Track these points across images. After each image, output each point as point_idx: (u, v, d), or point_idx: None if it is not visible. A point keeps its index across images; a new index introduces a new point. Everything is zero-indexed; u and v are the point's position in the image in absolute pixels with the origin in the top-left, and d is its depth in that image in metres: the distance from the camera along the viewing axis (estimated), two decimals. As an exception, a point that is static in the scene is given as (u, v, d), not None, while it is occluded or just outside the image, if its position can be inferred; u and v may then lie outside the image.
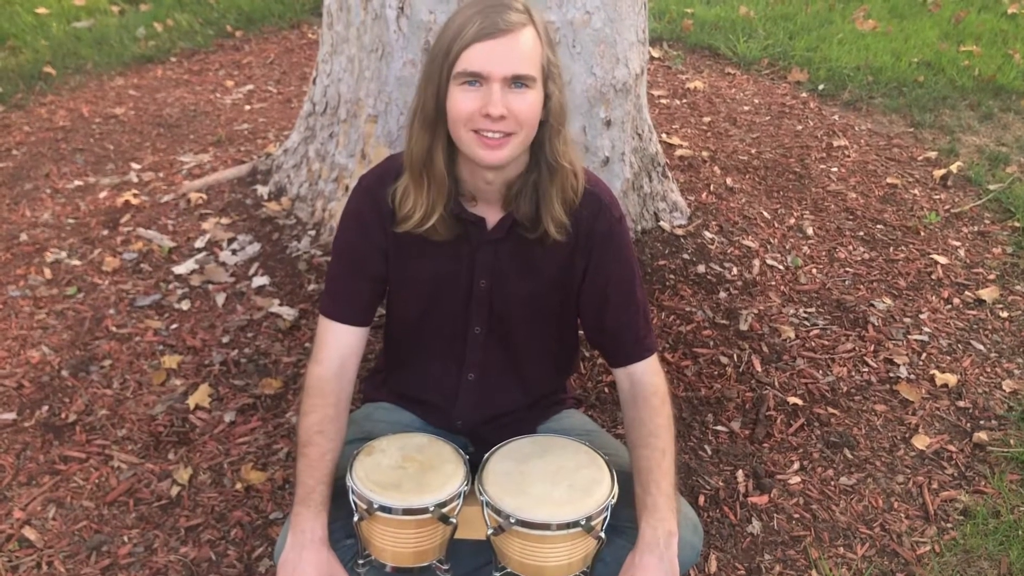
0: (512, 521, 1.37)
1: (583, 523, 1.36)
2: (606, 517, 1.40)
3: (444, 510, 1.40)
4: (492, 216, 1.51)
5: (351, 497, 1.41)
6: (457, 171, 1.47)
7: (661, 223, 2.97)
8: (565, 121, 1.44)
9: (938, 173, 3.69)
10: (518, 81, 1.34)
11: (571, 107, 2.55)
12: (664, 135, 3.85)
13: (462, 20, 1.34)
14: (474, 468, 1.48)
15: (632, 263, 1.57)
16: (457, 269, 1.54)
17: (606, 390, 2.36)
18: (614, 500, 1.41)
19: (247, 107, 4.19)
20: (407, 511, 1.38)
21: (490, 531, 1.41)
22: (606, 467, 1.47)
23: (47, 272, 2.82)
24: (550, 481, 1.44)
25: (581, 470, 1.46)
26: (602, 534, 1.39)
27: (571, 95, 2.54)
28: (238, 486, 2.07)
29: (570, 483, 1.43)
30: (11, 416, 2.25)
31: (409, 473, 1.44)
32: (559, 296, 1.58)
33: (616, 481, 1.44)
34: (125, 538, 1.95)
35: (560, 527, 1.36)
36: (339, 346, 1.55)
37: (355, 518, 1.41)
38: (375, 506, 1.38)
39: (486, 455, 1.50)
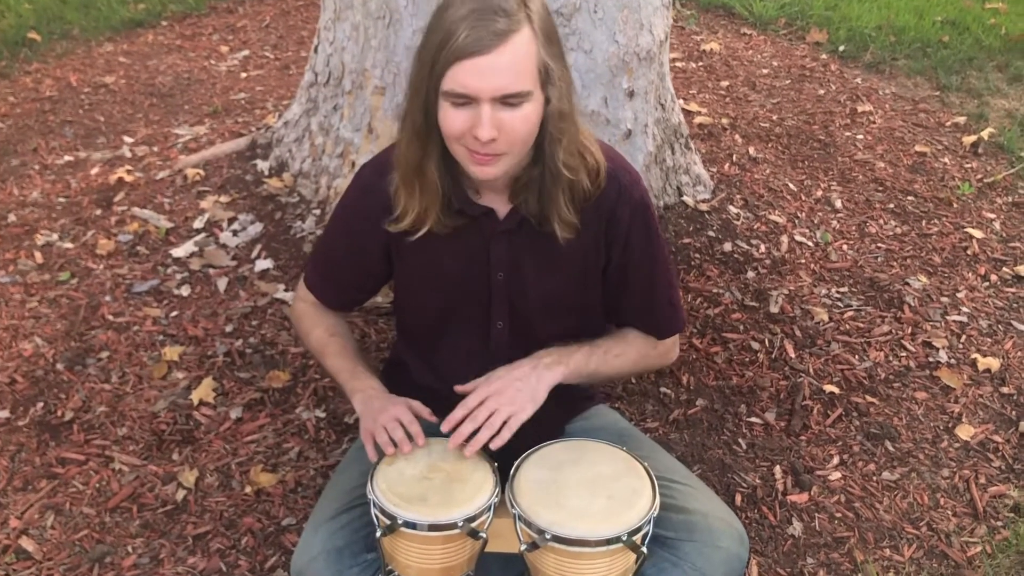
0: (548, 537, 1.28)
1: (624, 538, 1.27)
2: (648, 531, 1.31)
3: (473, 524, 1.30)
4: (502, 206, 1.42)
5: (372, 511, 1.32)
6: (459, 168, 1.37)
7: (684, 198, 2.82)
8: (567, 130, 1.32)
9: (968, 140, 3.53)
10: (510, 98, 1.23)
11: (592, 77, 2.41)
12: (682, 101, 3.67)
13: (449, 24, 1.22)
14: (501, 470, 1.38)
15: (658, 244, 1.51)
16: (471, 263, 1.46)
17: (633, 381, 2.23)
18: (656, 512, 1.31)
19: (243, 74, 3.99)
20: (433, 527, 1.28)
21: (523, 547, 1.32)
22: (647, 475, 1.38)
23: (38, 256, 2.66)
24: (588, 492, 1.34)
25: (620, 479, 1.37)
26: (644, 548, 1.30)
27: (592, 64, 2.38)
28: (247, 489, 1.95)
29: (609, 494, 1.34)
30: (3, 415, 2.12)
31: (435, 484, 1.34)
32: (581, 286, 1.51)
33: (658, 491, 1.34)
34: (129, 548, 1.83)
35: (599, 543, 1.27)
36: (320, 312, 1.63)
37: (377, 533, 1.31)
38: (399, 522, 1.28)
39: (516, 461, 1.40)
